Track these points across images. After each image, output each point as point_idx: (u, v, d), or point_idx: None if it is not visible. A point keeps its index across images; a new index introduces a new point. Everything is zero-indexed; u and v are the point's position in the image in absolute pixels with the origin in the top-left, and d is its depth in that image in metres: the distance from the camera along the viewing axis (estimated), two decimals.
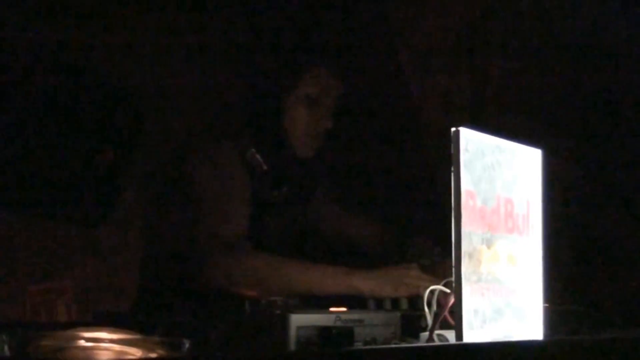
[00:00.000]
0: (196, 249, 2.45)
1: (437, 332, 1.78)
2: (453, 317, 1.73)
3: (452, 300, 1.75)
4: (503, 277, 1.82)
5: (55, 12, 3.58)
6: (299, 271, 2.42)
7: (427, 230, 2.77)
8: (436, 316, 1.80)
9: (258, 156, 2.58)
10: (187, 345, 1.47)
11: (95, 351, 1.38)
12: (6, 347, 1.43)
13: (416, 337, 1.86)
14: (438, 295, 1.83)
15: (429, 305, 1.83)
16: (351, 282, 2.37)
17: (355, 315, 1.85)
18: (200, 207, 2.51)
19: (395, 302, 2.28)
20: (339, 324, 1.78)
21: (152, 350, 1.42)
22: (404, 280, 2.34)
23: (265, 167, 2.58)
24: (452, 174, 1.72)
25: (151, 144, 3.79)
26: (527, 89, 3.67)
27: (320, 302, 2.26)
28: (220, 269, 2.39)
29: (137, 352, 1.40)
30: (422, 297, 1.86)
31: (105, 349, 1.38)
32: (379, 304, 2.30)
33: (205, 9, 3.83)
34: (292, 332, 1.71)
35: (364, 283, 2.36)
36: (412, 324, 1.94)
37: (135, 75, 3.84)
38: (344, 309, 1.90)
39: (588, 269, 3.34)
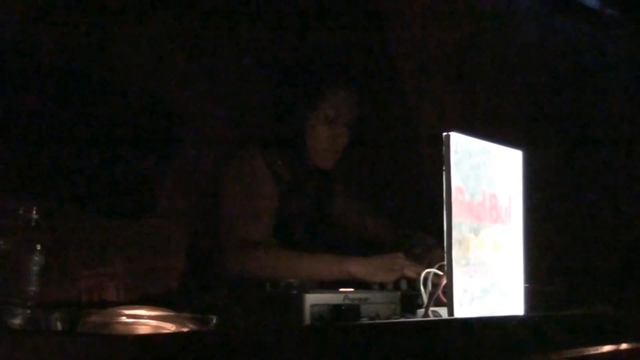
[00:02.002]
0: (226, 246, 2.45)
1: (431, 309, 1.77)
2: (445, 296, 1.72)
3: (444, 281, 1.74)
4: (488, 261, 1.81)
5: (101, 26, 3.57)
6: (304, 261, 2.41)
7: (422, 222, 2.76)
8: (431, 295, 1.79)
9: (283, 167, 2.58)
10: (214, 321, 1.46)
11: (135, 326, 1.38)
12: (59, 323, 1.44)
13: (414, 313, 1.86)
14: (432, 277, 1.82)
15: (425, 285, 1.82)
16: (347, 268, 2.36)
17: (362, 295, 1.84)
18: (232, 211, 2.51)
19: (396, 283, 2.26)
20: (347, 302, 1.77)
21: (184, 325, 1.42)
22: (392, 267, 2.33)
23: (288, 177, 2.58)
24: (444, 172, 1.71)
25: (191, 153, 3.79)
26: (510, 99, 3.66)
27: (331, 284, 2.25)
28: (240, 264, 2.40)
29: (171, 326, 1.40)
30: (418, 279, 1.85)
31: (144, 324, 1.38)
32: (382, 285, 2.28)
33: (242, 40, 3.84)
34: (307, 309, 1.70)
35: (359, 269, 2.35)
36: (410, 302, 1.93)
37: (182, 93, 3.85)
38: (351, 289, 1.89)
39: (564, 254, 3.32)
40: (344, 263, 2.38)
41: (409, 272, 2.29)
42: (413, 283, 2.18)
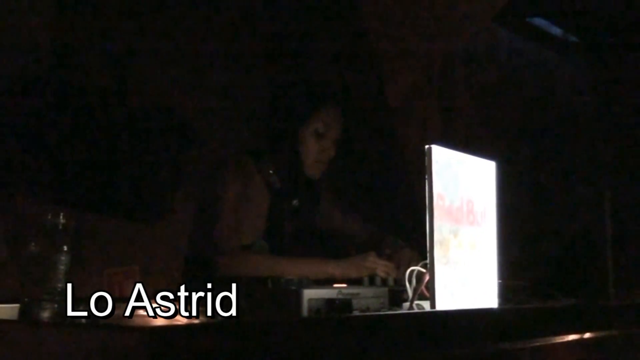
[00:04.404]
0: (219, 249, 2.46)
1: (416, 302, 1.77)
2: (428, 291, 1.72)
3: (427, 277, 1.73)
4: (466, 259, 1.81)
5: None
6: (287, 265, 2.42)
7: (406, 225, 2.76)
8: (415, 290, 1.78)
9: (274, 176, 2.58)
10: None
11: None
12: None
13: (400, 306, 1.85)
14: (416, 274, 1.82)
15: (410, 281, 1.82)
16: (327, 269, 2.43)
17: (353, 290, 1.83)
18: (225, 215, 2.50)
19: (384, 279, 2.26)
20: (340, 296, 1.76)
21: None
22: (364, 265, 2.40)
23: (279, 185, 2.58)
24: (426, 180, 1.71)
25: (195, 165, 3.79)
26: (485, 116, 3.67)
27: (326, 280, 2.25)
28: (231, 267, 2.41)
29: (182, 320, 1.39)
30: (388, 279, 1.86)
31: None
32: (372, 280, 2.28)
33: (246, 65, 3.83)
34: (305, 303, 1.69)
35: (335, 269, 2.42)
36: (397, 296, 1.92)
37: (192, 113, 3.85)
38: (344, 285, 1.88)
39: (532, 253, 3.31)
40: (323, 265, 2.44)
41: (380, 272, 2.35)
42: (399, 279, 2.17)
